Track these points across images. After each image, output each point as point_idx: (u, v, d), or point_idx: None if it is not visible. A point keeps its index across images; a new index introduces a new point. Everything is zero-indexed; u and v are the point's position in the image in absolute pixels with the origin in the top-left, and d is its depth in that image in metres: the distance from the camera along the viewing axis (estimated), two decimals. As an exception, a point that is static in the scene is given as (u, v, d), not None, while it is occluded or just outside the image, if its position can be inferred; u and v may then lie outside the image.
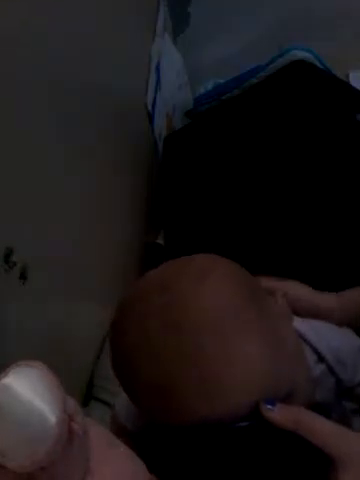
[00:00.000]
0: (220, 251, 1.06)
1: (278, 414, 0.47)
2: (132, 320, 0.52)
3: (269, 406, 0.48)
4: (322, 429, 0.46)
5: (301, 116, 1.15)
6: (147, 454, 0.55)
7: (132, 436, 0.64)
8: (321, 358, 0.66)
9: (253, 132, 1.17)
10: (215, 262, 0.55)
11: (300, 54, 1.30)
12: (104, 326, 1.01)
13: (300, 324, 0.65)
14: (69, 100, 0.83)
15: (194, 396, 0.48)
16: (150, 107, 1.30)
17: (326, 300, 0.69)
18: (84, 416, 0.51)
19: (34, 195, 0.72)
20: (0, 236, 0.63)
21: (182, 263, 0.55)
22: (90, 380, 0.95)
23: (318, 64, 1.32)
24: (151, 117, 1.31)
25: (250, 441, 0.47)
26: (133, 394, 0.54)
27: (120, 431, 0.66)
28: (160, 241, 1.29)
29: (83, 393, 0.94)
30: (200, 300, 0.50)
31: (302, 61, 1.26)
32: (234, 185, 1.15)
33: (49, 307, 0.78)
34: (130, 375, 0.52)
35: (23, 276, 0.68)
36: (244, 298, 0.51)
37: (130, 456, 0.59)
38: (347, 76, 1.60)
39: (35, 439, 0.43)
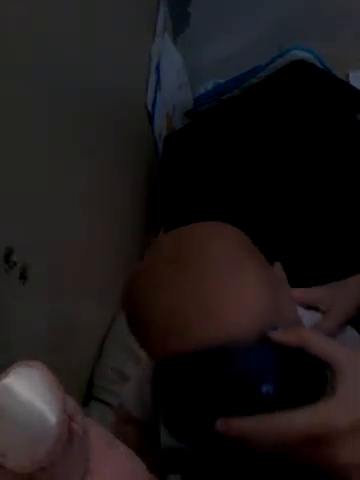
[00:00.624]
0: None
1: (283, 334, 0.50)
2: (144, 269, 0.56)
3: (273, 331, 0.51)
4: (323, 343, 0.50)
5: (301, 116, 1.15)
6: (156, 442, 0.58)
7: (141, 425, 0.67)
8: None
9: (253, 132, 1.17)
10: (224, 225, 0.58)
11: (300, 54, 1.30)
12: (104, 326, 1.01)
13: (300, 310, 0.66)
14: (69, 100, 0.83)
15: (199, 328, 0.50)
16: (150, 107, 1.30)
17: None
18: (84, 416, 0.51)
19: (34, 195, 0.72)
20: (0, 236, 0.63)
21: (194, 225, 0.57)
22: (90, 380, 0.95)
23: (318, 64, 1.32)
24: (151, 117, 1.31)
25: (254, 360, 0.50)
26: (146, 335, 0.55)
27: (128, 420, 0.68)
28: (160, 241, 1.29)
29: (83, 393, 0.94)
30: (209, 248, 0.53)
31: (302, 61, 1.26)
32: (234, 185, 1.15)
33: (49, 307, 0.78)
34: (141, 315, 0.54)
35: (23, 276, 0.68)
36: (250, 252, 0.55)
37: (130, 456, 0.59)
38: (347, 76, 1.60)
39: (35, 439, 0.43)
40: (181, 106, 1.55)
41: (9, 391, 0.44)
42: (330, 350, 0.49)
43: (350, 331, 0.69)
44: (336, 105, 1.16)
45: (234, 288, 0.51)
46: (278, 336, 0.50)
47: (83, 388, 0.94)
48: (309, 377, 0.50)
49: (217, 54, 1.66)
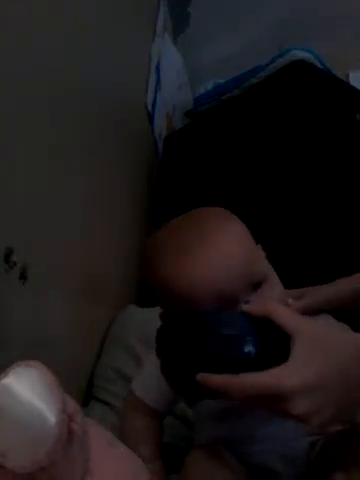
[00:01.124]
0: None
1: (252, 306, 0.61)
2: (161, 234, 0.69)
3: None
4: (285, 313, 0.59)
5: (301, 116, 1.15)
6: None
7: (151, 414, 0.74)
8: None
9: (253, 132, 1.17)
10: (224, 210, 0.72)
11: (300, 54, 1.30)
12: (104, 326, 1.01)
13: None
14: (69, 100, 0.83)
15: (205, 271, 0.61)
16: (150, 107, 1.30)
17: None
18: (84, 416, 0.51)
19: (34, 195, 0.72)
20: (0, 236, 0.63)
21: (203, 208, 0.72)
22: (90, 380, 0.95)
23: (318, 64, 1.32)
24: (151, 117, 1.31)
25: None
26: (165, 287, 0.64)
27: (137, 407, 0.74)
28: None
29: (83, 393, 0.94)
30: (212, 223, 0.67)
31: (302, 61, 1.26)
32: (234, 185, 1.15)
33: (49, 307, 0.78)
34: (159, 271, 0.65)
35: (23, 276, 0.68)
36: (240, 224, 0.68)
37: (130, 456, 0.59)
38: (347, 76, 1.61)
39: (35, 439, 0.43)
40: (181, 106, 1.55)
41: (9, 391, 0.44)
42: (290, 320, 0.58)
43: (325, 317, 0.71)
44: (336, 105, 1.16)
45: (224, 242, 0.63)
46: (248, 308, 0.60)
47: (83, 388, 0.94)
48: (280, 342, 0.58)
49: (217, 54, 1.66)
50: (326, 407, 0.55)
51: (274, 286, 0.67)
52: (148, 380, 0.74)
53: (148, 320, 1.00)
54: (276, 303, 0.61)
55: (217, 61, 1.66)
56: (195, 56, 1.63)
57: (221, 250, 0.62)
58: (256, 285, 0.64)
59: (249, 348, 0.58)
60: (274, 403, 0.55)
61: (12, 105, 0.65)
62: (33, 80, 0.70)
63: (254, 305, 0.61)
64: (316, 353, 0.56)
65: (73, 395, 0.53)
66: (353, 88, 1.25)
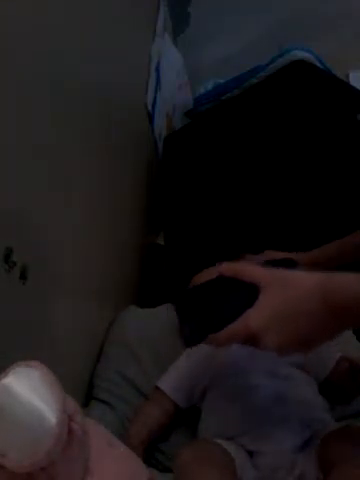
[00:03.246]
0: (220, 251, 1.06)
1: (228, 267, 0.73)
2: None
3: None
4: (254, 270, 0.70)
5: (301, 116, 1.15)
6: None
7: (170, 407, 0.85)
8: None
9: (253, 132, 1.17)
10: None
11: (300, 54, 1.30)
12: (104, 326, 1.01)
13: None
14: (69, 100, 0.83)
15: None
16: (150, 107, 1.30)
17: None
18: (84, 416, 0.51)
19: (34, 195, 0.72)
20: (0, 236, 0.63)
21: None
22: (90, 380, 0.95)
23: (318, 64, 1.32)
24: (151, 117, 1.31)
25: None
26: None
27: (160, 400, 0.85)
28: (160, 241, 1.29)
29: (83, 393, 0.94)
30: None
31: (302, 61, 1.26)
32: (234, 185, 1.15)
33: (49, 307, 0.78)
34: None
35: (23, 276, 0.68)
36: None
37: (130, 456, 0.59)
38: (347, 76, 1.61)
39: (35, 439, 0.43)
40: (181, 106, 1.55)
41: (9, 391, 0.44)
42: (255, 274, 0.69)
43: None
44: (336, 105, 1.16)
45: None
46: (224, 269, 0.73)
47: (83, 388, 0.94)
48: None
49: (217, 54, 1.66)
50: (287, 335, 0.65)
51: None
52: (172, 376, 0.87)
53: (148, 320, 1.00)
54: (246, 264, 0.74)
55: (217, 61, 1.66)
56: (195, 56, 1.63)
57: None
58: None
59: (241, 298, 0.69)
60: (251, 341, 0.66)
61: (12, 105, 0.65)
62: (33, 80, 0.70)
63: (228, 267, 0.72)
64: (274, 297, 0.66)
65: (73, 395, 0.53)
66: (353, 88, 1.25)
